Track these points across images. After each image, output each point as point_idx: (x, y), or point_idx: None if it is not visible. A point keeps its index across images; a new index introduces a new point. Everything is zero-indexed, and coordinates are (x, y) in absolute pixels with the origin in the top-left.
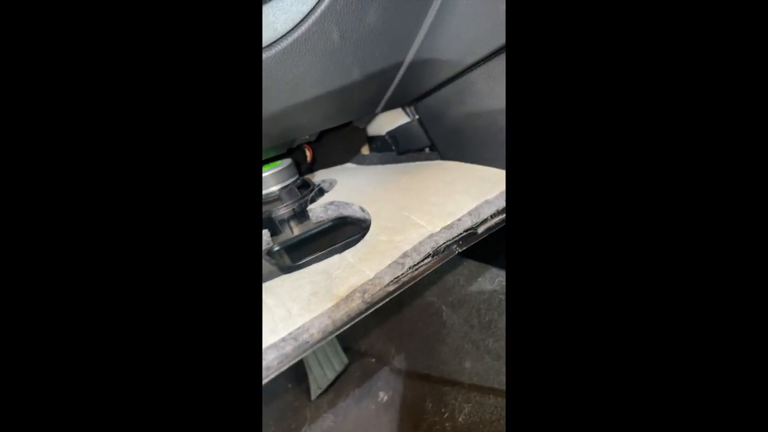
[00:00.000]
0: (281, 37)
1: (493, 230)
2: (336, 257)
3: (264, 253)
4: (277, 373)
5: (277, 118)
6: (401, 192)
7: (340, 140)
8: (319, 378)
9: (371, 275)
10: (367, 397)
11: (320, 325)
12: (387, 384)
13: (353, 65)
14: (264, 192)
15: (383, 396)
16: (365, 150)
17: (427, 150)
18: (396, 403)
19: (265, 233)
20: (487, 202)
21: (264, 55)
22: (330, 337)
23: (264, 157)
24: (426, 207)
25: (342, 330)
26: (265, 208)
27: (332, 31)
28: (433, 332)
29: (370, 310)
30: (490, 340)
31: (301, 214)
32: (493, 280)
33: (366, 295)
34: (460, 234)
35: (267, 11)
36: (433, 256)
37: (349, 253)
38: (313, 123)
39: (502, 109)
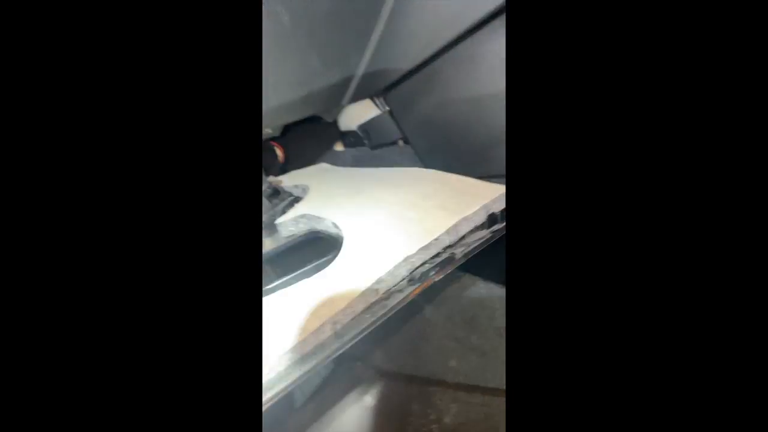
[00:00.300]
0: None
1: (471, 254)
2: (305, 282)
3: None
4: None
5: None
6: (376, 206)
7: (312, 137)
8: (304, 384)
9: (342, 305)
10: (353, 403)
11: (287, 361)
12: (372, 387)
13: (310, 51)
14: None
15: (369, 400)
16: (339, 146)
17: (400, 143)
18: (383, 407)
19: None
20: (465, 219)
21: None
22: (297, 375)
23: None
24: (402, 224)
25: (312, 366)
26: None
27: (282, 14)
28: (416, 331)
29: (345, 347)
30: (474, 337)
31: (270, 227)
32: (477, 289)
33: (337, 326)
34: (438, 256)
35: None
36: (408, 282)
37: (319, 278)
38: (273, 114)
39: (469, 98)
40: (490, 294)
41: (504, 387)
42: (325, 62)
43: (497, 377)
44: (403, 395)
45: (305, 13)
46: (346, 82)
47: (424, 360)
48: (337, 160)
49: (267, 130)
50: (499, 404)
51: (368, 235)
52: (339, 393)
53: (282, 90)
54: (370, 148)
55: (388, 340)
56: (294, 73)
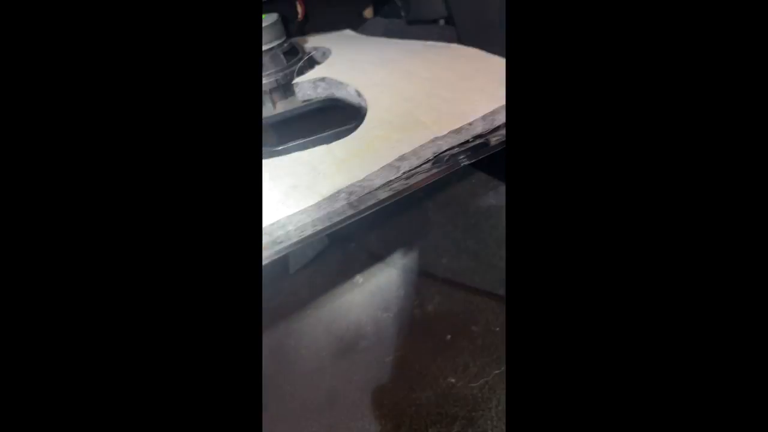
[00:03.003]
0: None
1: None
2: (323, 148)
3: None
4: None
5: None
6: (407, 79)
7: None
8: (299, 253)
9: (361, 176)
10: (343, 279)
11: (297, 222)
12: (363, 268)
13: None
14: None
15: (359, 279)
16: (368, 13)
17: (441, 22)
18: (371, 286)
19: None
20: (504, 106)
21: None
22: (307, 239)
23: None
24: (434, 102)
25: (321, 232)
26: None
27: None
28: (416, 227)
29: (356, 218)
30: (471, 242)
31: (285, 87)
32: (486, 197)
33: (352, 197)
34: (469, 142)
35: None
36: (434, 164)
37: (338, 146)
38: None
39: None
40: (499, 203)
41: (488, 289)
42: None
43: (485, 280)
44: (392, 281)
45: None
46: None
47: (417, 253)
48: (365, 30)
49: None
50: (480, 302)
51: (395, 109)
52: (331, 268)
53: None
54: (406, 21)
55: (385, 228)
56: None
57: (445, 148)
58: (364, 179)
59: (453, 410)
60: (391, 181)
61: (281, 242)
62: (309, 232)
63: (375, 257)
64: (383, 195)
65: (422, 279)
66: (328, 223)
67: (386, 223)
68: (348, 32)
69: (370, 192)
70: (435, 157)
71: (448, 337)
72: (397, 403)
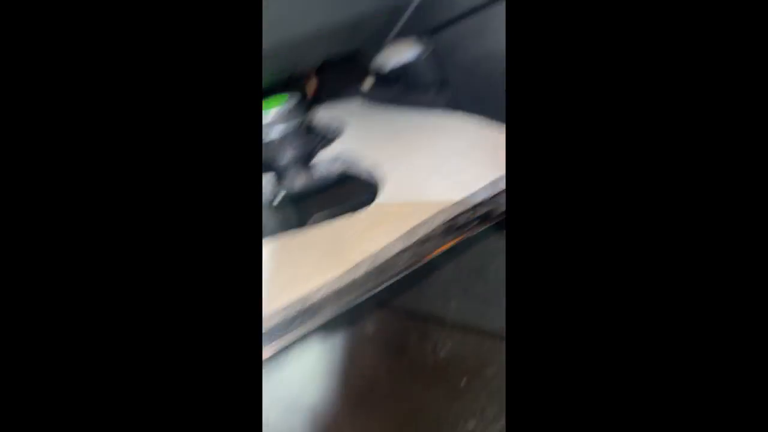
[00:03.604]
0: None
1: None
2: (345, 219)
3: (268, 203)
4: (281, 347)
5: (292, 41)
6: (414, 153)
7: (344, 72)
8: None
9: (382, 244)
10: (352, 327)
11: (328, 290)
12: (372, 316)
13: None
14: (266, 135)
15: (370, 328)
16: (368, 83)
17: (436, 87)
18: (382, 336)
19: (270, 177)
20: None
21: None
22: (334, 307)
23: (264, 83)
24: (441, 173)
25: (346, 302)
26: (266, 152)
27: None
28: (421, 271)
29: (378, 288)
30: (479, 284)
31: (305, 163)
32: (489, 240)
33: (376, 263)
34: (477, 210)
35: None
36: (447, 232)
37: (358, 217)
38: (314, 42)
39: None
40: (503, 245)
41: (500, 331)
42: None
43: (496, 322)
44: (403, 327)
45: None
46: (397, 12)
47: (426, 298)
48: (367, 98)
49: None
50: (491, 344)
51: (406, 182)
52: (339, 317)
53: (328, 11)
54: (404, 88)
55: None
56: (347, 7)
57: (454, 215)
58: (385, 247)
59: None
60: (408, 247)
61: (313, 311)
62: (336, 298)
63: (382, 304)
64: (403, 263)
65: (433, 325)
66: (354, 290)
67: None
68: (356, 102)
69: (390, 258)
70: (446, 225)
71: (464, 381)
72: None
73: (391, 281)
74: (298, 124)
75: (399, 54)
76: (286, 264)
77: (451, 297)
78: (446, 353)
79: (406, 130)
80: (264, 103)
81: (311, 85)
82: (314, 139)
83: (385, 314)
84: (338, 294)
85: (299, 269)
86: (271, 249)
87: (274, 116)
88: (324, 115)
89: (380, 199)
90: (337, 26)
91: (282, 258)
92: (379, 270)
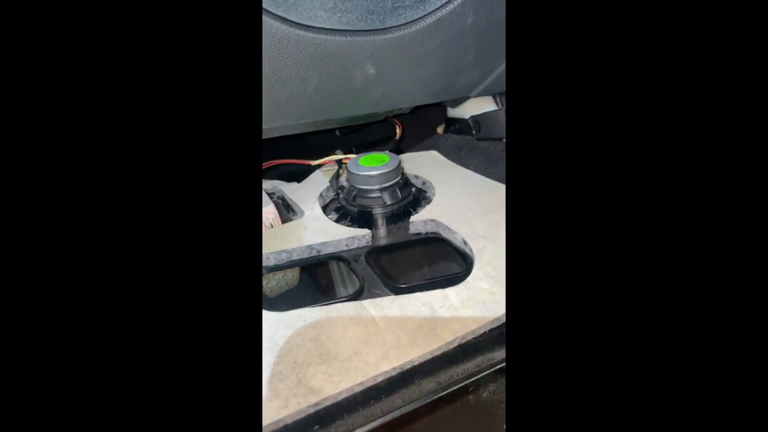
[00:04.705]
0: (428, 14)
1: None
2: (439, 292)
3: (365, 253)
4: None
5: (391, 89)
6: (503, 231)
7: (419, 117)
8: None
9: (473, 327)
10: None
11: (422, 360)
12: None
13: (470, 49)
14: (370, 189)
15: None
16: (441, 129)
17: (504, 140)
18: None
19: (368, 234)
20: None
21: (408, 30)
22: (429, 379)
23: (356, 122)
24: None
25: (442, 377)
26: (366, 203)
27: (468, 16)
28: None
29: (464, 364)
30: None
31: (399, 219)
32: None
33: (464, 344)
34: None
35: None
36: None
37: (452, 292)
38: (417, 97)
39: None
40: None
41: None
42: (478, 59)
43: None
44: None
45: (485, 18)
46: (484, 77)
47: None
48: (439, 142)
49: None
50: None
51: (497, 263)
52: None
53: (434, 78)
54: (475, 138)
55: None
56: (451, 65)
57: None
58: (476, 329)
59: None
60: (495, 329)
61: (412, 382)
62: (431, 369)
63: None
64: (490, 345)
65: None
66: (441, 368)
67: None
68: (435, 155)
69: (478, 341)
70: None
71: (505, 426)
72: None
73: (474, 361)
74: (398, 180)
75: (474, 106)
76: (387, 328)
77: None
78: (488, 394)
79: (494, 204)
80: (367, 159)
81: (399, 128)
82: (409, 194)
83: None
84: (429, 365)
85: (399, 336)
86: None
87: (376, 173)
88: (406, 160)
89: (473, 276)
90: (441, 77)
91: (381, 323)
92: (467, 350)
